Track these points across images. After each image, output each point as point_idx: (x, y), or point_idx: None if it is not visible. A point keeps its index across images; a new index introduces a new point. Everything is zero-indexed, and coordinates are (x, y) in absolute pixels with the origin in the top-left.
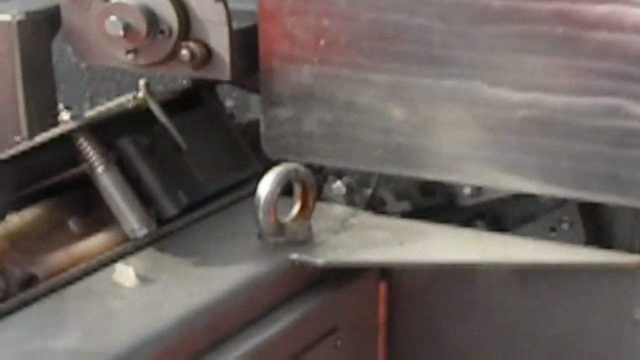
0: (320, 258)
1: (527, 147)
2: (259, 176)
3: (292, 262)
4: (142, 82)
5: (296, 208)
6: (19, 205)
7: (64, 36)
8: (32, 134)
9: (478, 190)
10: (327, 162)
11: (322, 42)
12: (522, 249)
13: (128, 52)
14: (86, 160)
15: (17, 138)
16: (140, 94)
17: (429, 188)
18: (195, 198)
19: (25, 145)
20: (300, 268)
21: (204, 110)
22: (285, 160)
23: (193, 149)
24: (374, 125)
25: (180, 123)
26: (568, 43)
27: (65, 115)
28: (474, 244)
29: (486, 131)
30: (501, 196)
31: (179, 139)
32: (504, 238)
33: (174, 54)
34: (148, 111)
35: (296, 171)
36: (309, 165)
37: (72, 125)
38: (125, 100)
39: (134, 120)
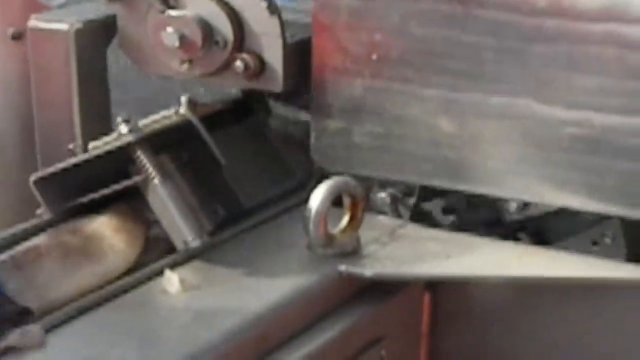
0: (368, 270)
1: (575, 164)
2: (303, 187)
3: (341, 273)
4: (183, 98)
5: (345, 220)
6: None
7: (119, 44)
8: (85, 142)
9: (524, 205)
10: (376, 174)
11: (374, 56)
12: (566, 264)
13: (183, 62)
14: (142, 172)
15: (71, 145)
16: (182, 110)
17: (475, 203)
18: (234, 212)
19: (87, 155)
20: (348, 279)
21: (252, 121)
22: (335, 171)
23: (235, 162)
24: (423, 139)
25: (225, 135)
26: (618, 63)
27: (123, 128)
28: (520, 258)
29: (534, 147)
30: (545, 211)
31: (218, 154)
32: (548, 253)
33: (227, 65)
34: (190, 125)
35: (346, 184)
36: (355, 176)
37: (131, 138)
38: (168, 114)
39: (176, 135)
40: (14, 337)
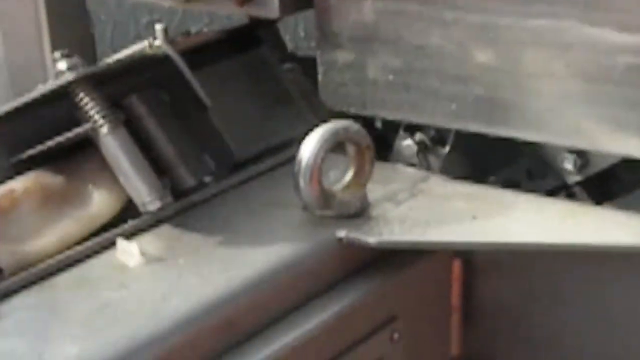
0: (372, 237)
1: (633, 101)
2: None
3: (340, 240)
4: (158, 27)
5: (349, 174)
6: (11, 172)
7: None
8: None
9: (582, 163)
10: (394, 115)
11: None
12: (623, 227)
13: None
14: (88, 119)
15: None
16: (158, 41)
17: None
18: (225, 164)
19: (17, 102)
20: (350, 247)
21: (256, 54)
22: (347, 113)
23: (231, 103)
24: (449, 73)
25: (217, 72)
26: None
27: (61, 65)
28: (564, 220)
29: (582, 81)
30: (610, 164)
31: (202, 94)
32: (600, 213)
33: None
34: (169, 61)
35: (346, 129)
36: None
37: (69, 77)
38: (141, 48)
39: (150, 73)
40: None
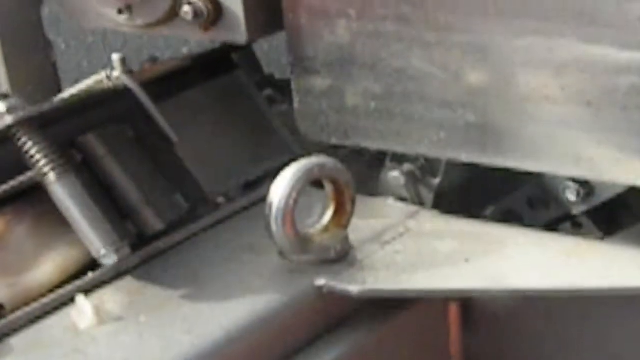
0: (355, 285)
1: (637, 126)
2: None
3: (320, 289)
4: (115, 57)
5: (328, 215)
6: None
7: None
8: None
9: (586, 192)
10: (379, 145)
11: None
12: (631, 266)
13: (120, 10)
14: (34, 165)
15: None
16: (116, 72)
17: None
18: (195, 203)
19: None
20: (332, 297)
21: (230, 79)
22: (327, 143)
23: (198, 137)
24: (434, 98)
25: (186, 102)
26: None
27: (0, 107)
28: (567, 260)
29: (581, 105)
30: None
31: (167, 128)
32: (607, 249)
33: (175, 12)
34: (131, 93)
35: (322, 166)
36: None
37: (8, 121)
38: (98, 80)
39: (110, 107)
40: None
